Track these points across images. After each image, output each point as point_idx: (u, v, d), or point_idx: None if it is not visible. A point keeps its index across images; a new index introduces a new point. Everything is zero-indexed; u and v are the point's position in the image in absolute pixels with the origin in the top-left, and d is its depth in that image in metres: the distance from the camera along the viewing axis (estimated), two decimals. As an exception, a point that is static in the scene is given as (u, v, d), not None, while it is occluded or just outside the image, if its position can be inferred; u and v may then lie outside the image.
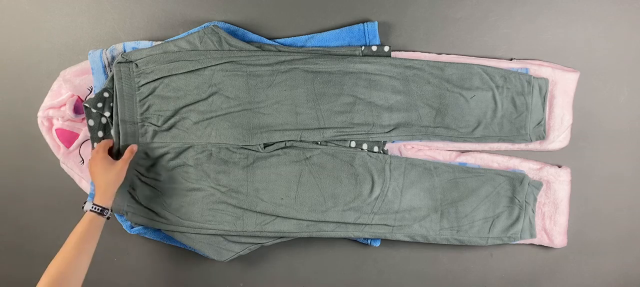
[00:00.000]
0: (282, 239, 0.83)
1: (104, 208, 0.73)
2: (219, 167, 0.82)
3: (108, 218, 0.73)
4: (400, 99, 0.82)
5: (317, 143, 0.82)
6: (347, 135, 0.82)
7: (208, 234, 0.83)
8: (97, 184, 0.74)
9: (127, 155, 0.78)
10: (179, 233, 0.82)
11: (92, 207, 0.72)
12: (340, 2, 0.83)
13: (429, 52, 0.83)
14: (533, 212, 0.85)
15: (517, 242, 0.86)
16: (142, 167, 0.83)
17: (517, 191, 0.84)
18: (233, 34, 0.82)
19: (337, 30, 0.82)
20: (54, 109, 0.81)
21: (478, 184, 0.84)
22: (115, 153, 0.81)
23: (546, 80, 0.82)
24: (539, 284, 0.91)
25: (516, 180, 0.84)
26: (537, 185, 0.85)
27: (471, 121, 0.83)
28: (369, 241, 0.86)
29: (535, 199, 0.85)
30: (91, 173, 0.76)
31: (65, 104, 0.81)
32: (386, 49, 0.81)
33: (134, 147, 0.80)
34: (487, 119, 0.83)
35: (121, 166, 0.76)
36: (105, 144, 0.79)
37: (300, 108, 0.81)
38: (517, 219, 0.85)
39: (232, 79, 0.80)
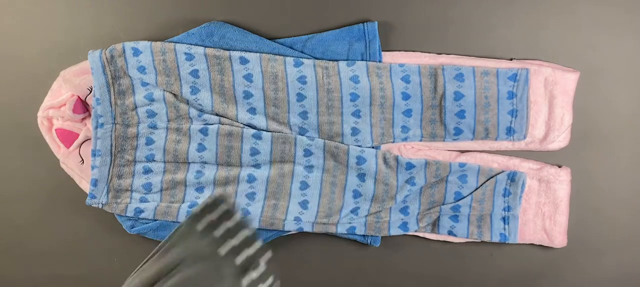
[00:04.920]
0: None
1: None
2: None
3: None
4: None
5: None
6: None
7: None
8: None
9: None
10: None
11: None
12: (340, 2, 0.84)
13: (429, 52, 0.83)
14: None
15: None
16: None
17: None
18: (233, 34, 0.82)
19: (337, 30, 0.82)
20: (54, 109, 0.81)
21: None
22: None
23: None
24: (539, 284, 0.91)
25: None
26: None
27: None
28: (369, 241, 0.86)
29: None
30: None
31: (65, 104, 0.81)
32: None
33: None
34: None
35: None
36: None
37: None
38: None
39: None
